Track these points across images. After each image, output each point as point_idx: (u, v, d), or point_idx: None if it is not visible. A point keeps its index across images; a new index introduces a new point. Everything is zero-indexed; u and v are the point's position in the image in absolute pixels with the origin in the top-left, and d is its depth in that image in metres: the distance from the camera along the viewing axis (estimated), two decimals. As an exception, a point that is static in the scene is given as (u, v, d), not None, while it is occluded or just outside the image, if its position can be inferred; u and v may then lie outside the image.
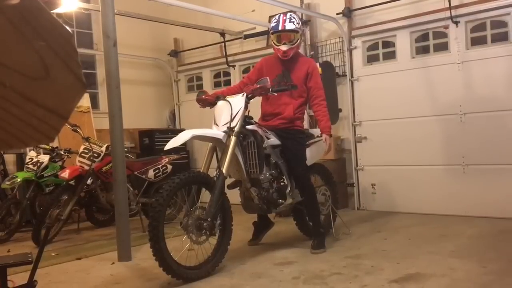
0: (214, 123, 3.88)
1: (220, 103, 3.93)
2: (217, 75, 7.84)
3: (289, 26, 4.13)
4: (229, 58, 7.36)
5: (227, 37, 7.28)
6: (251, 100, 3.95)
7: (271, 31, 4.23)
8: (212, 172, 3.70)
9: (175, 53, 8.19)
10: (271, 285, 3.24)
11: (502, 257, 3.61)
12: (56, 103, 1.04)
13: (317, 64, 4.73)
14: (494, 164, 5.20)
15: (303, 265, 3.65)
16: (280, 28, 4.14)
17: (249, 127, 3.95)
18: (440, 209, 5.45)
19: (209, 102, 4.03)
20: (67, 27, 0.97)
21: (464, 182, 5.38)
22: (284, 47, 4.15)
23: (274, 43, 4.22)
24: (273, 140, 4.14)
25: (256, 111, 4.34)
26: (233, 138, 3.71)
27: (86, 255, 4.35)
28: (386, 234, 4.62)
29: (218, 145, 3.83)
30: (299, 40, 4.22)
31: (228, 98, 3.93)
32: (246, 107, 3.87)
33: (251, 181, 3.96)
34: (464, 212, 5.29)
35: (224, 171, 3.62)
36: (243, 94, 3.89)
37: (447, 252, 3.81)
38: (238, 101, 3.85)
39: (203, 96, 4.05)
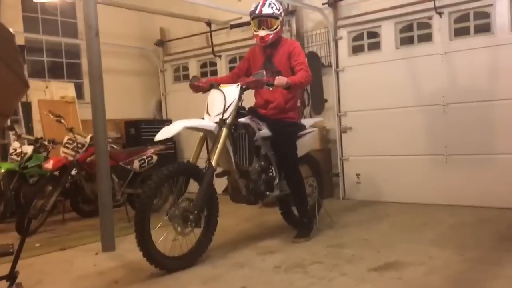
0: (206, 112, 3.83)
1: (214, 91, 3.87)
2: (203, 65, 7.82)
3: (266, 10, 4.08)
4: (216, 48, 7.34)
5: (214, 27, 7.26)
6: (245, 92, 3.90)
7: (250, 16, 4.17)
8: (201, 162, 3.70)
9: (161, 43, 8.14)
10: (252, 274, 3.28)
11: (480, 245, 3.69)
12: None
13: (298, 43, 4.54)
14: (476, 154, 5.28)
15: (286, 254, 3.70)
16: (257, 12, 4.10)
17: (241, 120, 3.90)
18: (423, 198, 5.53)
19: (202, 89, 3.99)
20: (9, 28, 0.98)
21: (446, 172, 5.46)
22: (262, 33, 4.09)
23: (254, 30, 4.16)
24: (265, 131, 4.11)
25: (249, 101, 4.28)
26: (224, 130, 3.67)
27: (70, 246, 4.36)
28: (369, 223, 4.68)
29: (209, 135, 3.80)
30: (279, 27, 4.13)
31: (222, 87, 3.87)
32: (239, 98, 3.82)
33: (240, 173, 3.94)
34: (446, 201, 5.37)
35: (213, 163, 3.61)
36: (238, 85, 3.84)
37: (427, 241, 3.88)
38: (232, 91, 3.80)
39: (196, 83, 4.01)
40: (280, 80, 3.84)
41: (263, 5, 4.11)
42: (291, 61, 4.13)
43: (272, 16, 4.09)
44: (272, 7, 4.10)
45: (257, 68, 4.16)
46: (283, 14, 4.20)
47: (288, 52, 4.14)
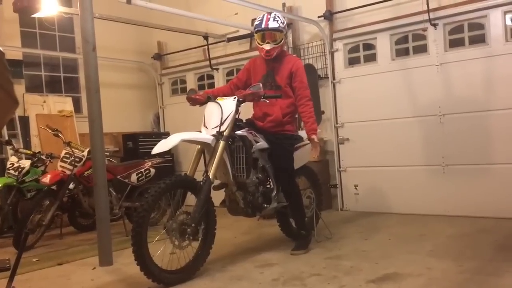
0: (203, 125, 3.85)
1: (211, 104, 3.89)
2: (201, 78, 7.85)
3: (272, 25, 4.11)
4: (213, 61, 7.38)
5: (211, 40, 7.31)
6: (242, 104, 3.92)
7: (255, 29, 4.20)
8: (199, 175, 3.70)
9: (158, 56, 8.19)
10: (250, 287, 3.26)
11: (478, 255, 3.68)
12: None
13: (302, 62, 4.60)
14: (473, 164, 5.29)
15: (284, 267, 3.68)
16: (263, 26, 4.12)
17: (238, 132, 3.91)
18: (421, 209, 5.53)
19: (199, 101, 4.01)
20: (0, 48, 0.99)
21: (444, 182, 5.46)
22: (267, 46, 4.13)
23: (258, 42, 4.19)
24: (262, 143, 4.12)
25: (246, 113, 4.32)
26: (221, 143, 3.68)
27: (68, 260, 4.33)
28: (367, 235, 4.67)
29: (206, 148, 3.80)
30: (283, 40, 4.20)
31: (219, 100, 3.89)
32: (236, 111, 3.83)
33: (237, 185, 3.94)
34: (444, 211, 5.37)
35: (211, 176, 3.61)
36: (235, 98, 3.86)
37: (425, 252, 3.87)
38: (229, 104, 3.82)
39: (193, 96, 4.03)
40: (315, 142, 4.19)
41: (268, 19, 4.15)
42: (292, 81, 4.19)
43: (277, 30, 4.14)
44: (277, 21, 4.14)
45: (257, 80, 4.20)
46: (286, 27, 4.27)
47: (290, 70, 4.19)
